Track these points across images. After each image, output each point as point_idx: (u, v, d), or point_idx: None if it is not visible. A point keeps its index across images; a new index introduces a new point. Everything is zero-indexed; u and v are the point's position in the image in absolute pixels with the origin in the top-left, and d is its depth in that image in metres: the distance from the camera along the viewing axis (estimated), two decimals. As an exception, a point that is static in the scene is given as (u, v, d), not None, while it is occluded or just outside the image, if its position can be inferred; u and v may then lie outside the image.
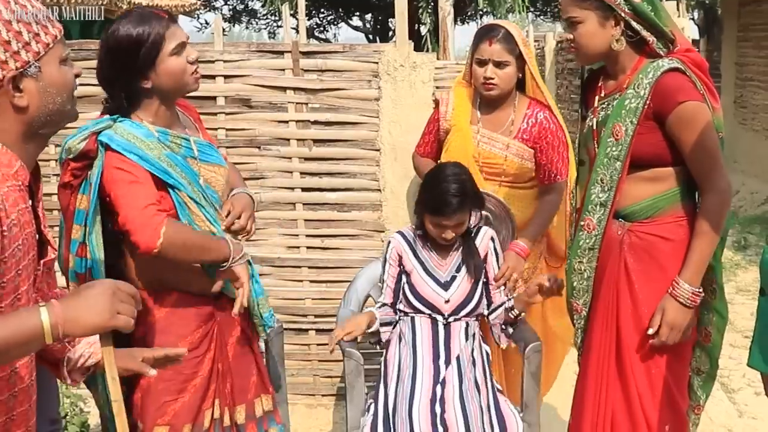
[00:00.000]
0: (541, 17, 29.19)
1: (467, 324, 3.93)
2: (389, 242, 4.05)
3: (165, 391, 3.37)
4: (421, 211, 3.94)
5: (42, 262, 2.32)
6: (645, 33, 3.30)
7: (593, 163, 3.43)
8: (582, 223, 3.46)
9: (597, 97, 3.50)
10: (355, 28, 27.16)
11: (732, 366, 6.38)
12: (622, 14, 3.26)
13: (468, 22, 22.39)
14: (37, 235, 2.28)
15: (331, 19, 26.10)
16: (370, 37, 24.95)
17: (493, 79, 4.22)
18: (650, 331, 3.33)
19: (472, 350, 3.88)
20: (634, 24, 3.28)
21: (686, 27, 4.96)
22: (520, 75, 4.31)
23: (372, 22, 25.51)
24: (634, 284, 3.38)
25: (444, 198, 3.81)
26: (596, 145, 3.44)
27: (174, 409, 3.38)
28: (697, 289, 3.29)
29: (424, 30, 18.12)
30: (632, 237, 3.39)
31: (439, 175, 3.93)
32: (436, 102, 4.54)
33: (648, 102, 3.25)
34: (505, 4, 16.67)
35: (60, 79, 2.22)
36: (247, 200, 3.58)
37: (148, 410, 3.38)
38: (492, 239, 4.09)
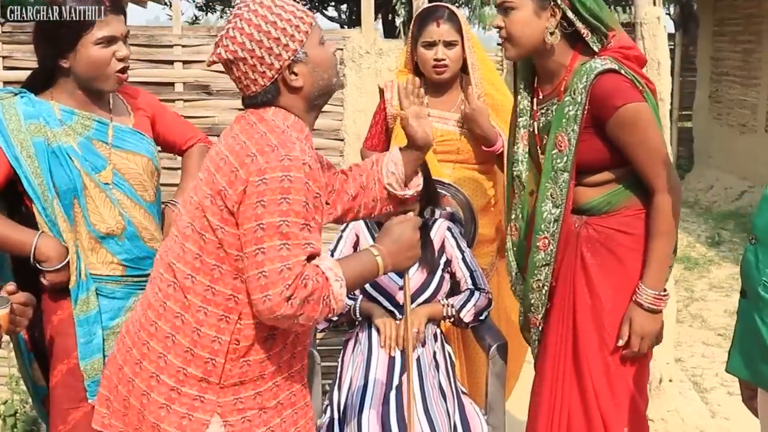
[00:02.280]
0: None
1: (428, 326, 3.76)
2: (347, 223, 3.88)
3: (66, 397, 3.21)
4: None
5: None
6: (579, 25, 3.15)
7: (540, 168, 3.31)
8: (538, 244, 3.31)
9: (536, 100, 3.37)
10: (331, 18, 27.01)
11: (705, 365, 6.29)
12: (560, 2, 3.11)
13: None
14: None
15: (306, 8, 25.89)
16: (345, 27, 24.78)
17: (444, 60, 4.12)
18: (620, 343, 3.21)
19: (434, 353, 3.72)
20: (569, 14, 3.13)
21: (661, 17, 4.80)
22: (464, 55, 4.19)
23: (347, 13, 25.36)
24: (592, 278, 3.25)
25: None
26: (539, 152, 3.33)
27: (75, 418, 3.21)
28: (662, 293, 3.18)
29: (398, 21, 17.97)
30: (589, 230, 3.26)
31: None
32: (381, 91, 4.37)
33: (586, 108, 3.12)
34: (474, -2, 16.52)
35: (323, 58, 2.65)
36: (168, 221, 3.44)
37: (51, 414, 3.25)
38: (449, 229, 3.96)
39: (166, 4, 21.38)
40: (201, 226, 2.56)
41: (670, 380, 5.16)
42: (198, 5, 25.79)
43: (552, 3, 3.12)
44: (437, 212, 4.05)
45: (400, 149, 3.01)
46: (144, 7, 11.68)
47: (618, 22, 3.28)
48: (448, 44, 4.12)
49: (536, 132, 3.35)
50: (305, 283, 2.46)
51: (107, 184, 3.22)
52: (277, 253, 2.45)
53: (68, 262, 3.17)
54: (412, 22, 4.29)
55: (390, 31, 20.05)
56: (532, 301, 3.40)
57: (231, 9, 25.34)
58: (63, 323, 3.22)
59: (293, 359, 2.75)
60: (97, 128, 3.22)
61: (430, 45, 4.13)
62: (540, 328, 3.44)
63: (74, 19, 3.05)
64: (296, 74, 2.60)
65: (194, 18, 26.44)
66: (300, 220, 2.47)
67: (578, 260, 3.26)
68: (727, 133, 14.06)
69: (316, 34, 2.63)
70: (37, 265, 3.14)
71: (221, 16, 27.97)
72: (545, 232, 3.28)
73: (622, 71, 3.11)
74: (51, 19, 3.07)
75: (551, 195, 3.23)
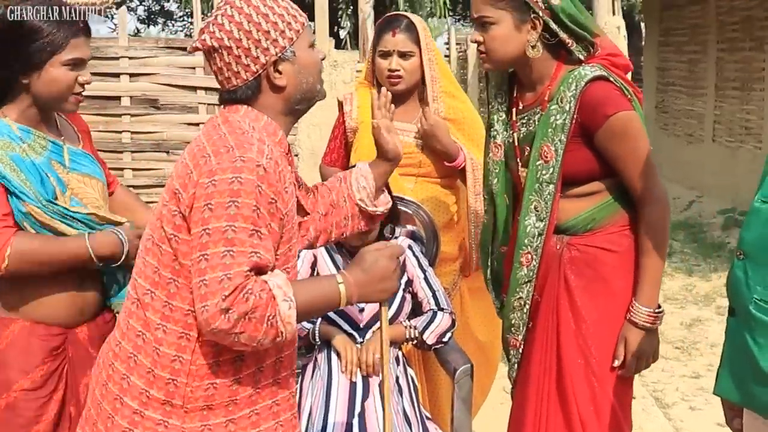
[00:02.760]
0: (461, 21, 29.29)
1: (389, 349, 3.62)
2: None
3: None
4: None
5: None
6: (563, 35, 3.04)
7: (519, 180, 3.22)
8: (521, 259, 3.20)
9: (515, 110, 3.25)
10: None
11: (665, 379, 6.21)
12: (540, 13, 3.00)
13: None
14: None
15: (249, 21, 25.82)
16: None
17: (398, 71, 4.02)
18: (616, 363, 3.11)
19: (397, 377, 3.59)
20: (552, 25, 3.02)
21: (621, 26, 4.74)
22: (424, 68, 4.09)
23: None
24: (577, 302, 3.14)
25: None
26: (519, 164, 3.22)
27: None
28: (656, 309, 3.08)
29: (343, 33, 17.94)
30: (572, 251, 3.15)
31: None
32: (340, 104, 4.25)
33: (575, 117, 3.02)
34: (425, 8, 16.54)
35: (310, 61, 2.53)
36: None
37: None
38: (410, 247, 3.85)
39: (107, 17, 21.09)
40: (159, 237, 2.43)
41: (633, 397, 5.06)
42: (140, 18, 25.59)
43: (532, 15, 3.01)
44: (398, 230, 3.92)
45: (369, 163, 2.90)
46: (108, 17, 11.52)
47: (600, 28, 3.18)
48: (403, 55, 4.02)
49: (516, 143, 3.23)
50: (246, 297, 2.27)
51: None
52: (219, 261, 2.28)
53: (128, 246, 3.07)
54: (374, 31, 4.18)
55: (336, 44, 20.01)
56: (513, 321, 3.29)
57: (173, 22, 25.23)
58: (3, 353, 3.02)
59: (277, 386, 2.56)
60: (53, 149, 3.08)
61: (386, 54, 4.04)
62: (520, 350, 3.33)
63: (49, 38, 2.93)
64: (281, 72, 2.48)
65: (136, 31, 26.24)
66: (248, 226, 2.31)
67: (562, 284, 3.15)
68: (674, 143, 14.14)
69: (306, 36, 2.54)
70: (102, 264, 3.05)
71: (163, 29, 27.84)
72: (528, 247, 3.17)
73: (611, 78, 3.03)
74: (18, 30, 2.95)
75: (535, 208, 3.13)
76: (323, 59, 2.65)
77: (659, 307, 3.10)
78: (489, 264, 3.50)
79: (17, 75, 2.96)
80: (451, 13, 24.45)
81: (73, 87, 3.02)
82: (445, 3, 16.41)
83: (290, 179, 2.53)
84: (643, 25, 17.66)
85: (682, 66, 14.25)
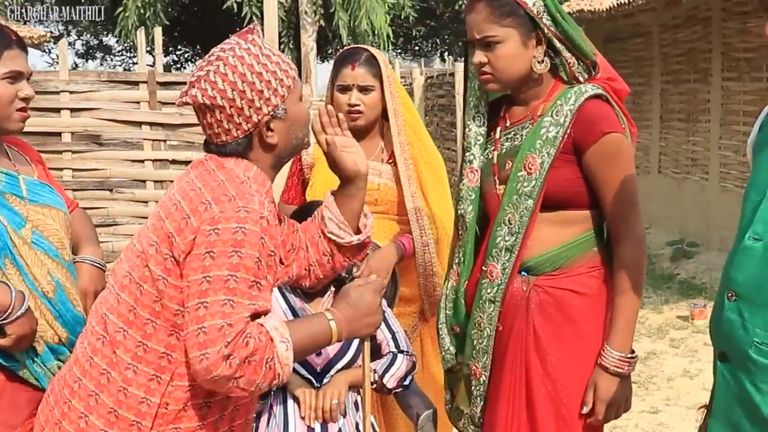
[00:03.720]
0: (403, 55, 29.49)
1: (348, 394, 3.49)
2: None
3: None
4: None
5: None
6: (567, 54, 2.96)
7: (495, 200, 3.09)
8: (484, 268, 3.08)
9: (500, 128, 3.14)
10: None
11: (624, 415, 6.08)
12: (546, 30, 2.93)
13: (330, 60, 22.44)
14: None
15: (188, 56, 25.80)
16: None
17: (358, 105, 3.90)
18: (584, 410, 2.96)
19: (357, 423, 3.47)
20: (556, 43, 2.94)
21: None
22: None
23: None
24: (545, 349, 3.01)
25: None
26: (497, 182, 3.10)
27: None
28: (629, 354, 2.95)
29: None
30: (540, 293, 3.02)
31: (305, 213, 3.52)
32: None
33: (569, 131, 2.92)
34: (368, 41, 16.58)
35: (300, 115, 2.52)
36: (87, 279, 3.16)
37: None
38: None
39: (44, 51, 20.86)
40: (140, 275, 2.39)
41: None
42: (78, 52, 25.38)
43: (536, 33, 2.94)
44: (354, 269, 3.78)
45: (333, 192, 2.80)
46: (45, 52, 11.47)
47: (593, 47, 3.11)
48: (364, 89, 3.90)
49: (495, 160, 3.11)
50: (246, 341, 2.26)
51: (30, 243, 2.94)
52: (220, 309, 2.27)
53: (29, 308, 2.85)
54: (334, 62, 4.08)
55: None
56: (474, 342, 3.15)
57: (111, 56, 25.11)
58: None
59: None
60: (7, 181, 2.96)
61: (345, 89, 3.91)
62: (481, 381, 3.18)
63: None
64: (272, 131, 2.46)
65: (74, 65, 26.02)
66: (250, 277, 2.32)
67: (530, 330, 3.02)
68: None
69: (297, 90, 2.51)
70: None
71: (101, 64, 27.64)
72: (496, 260, 3.05)
73: (610, 101, 2.95)
74: None
75: (509, 221, 3.01)
76: (309, 107, 2.60)
77: (633, 351, 2.98)
78: (447, 293, 3.33)
79: None
80: (393, 47, 24.61)
81: (13, 101, 2.91)
82: (388, 36, 16.45)
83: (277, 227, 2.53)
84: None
85: (627, 98, 14.29)
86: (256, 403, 2.63)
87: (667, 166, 12.76)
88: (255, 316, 2.33)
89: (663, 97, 13.00)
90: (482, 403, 3.21)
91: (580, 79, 2.98)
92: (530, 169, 2.96)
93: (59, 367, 2.91)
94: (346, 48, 4.18)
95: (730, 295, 2.23)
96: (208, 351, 2.25)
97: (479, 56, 3.00)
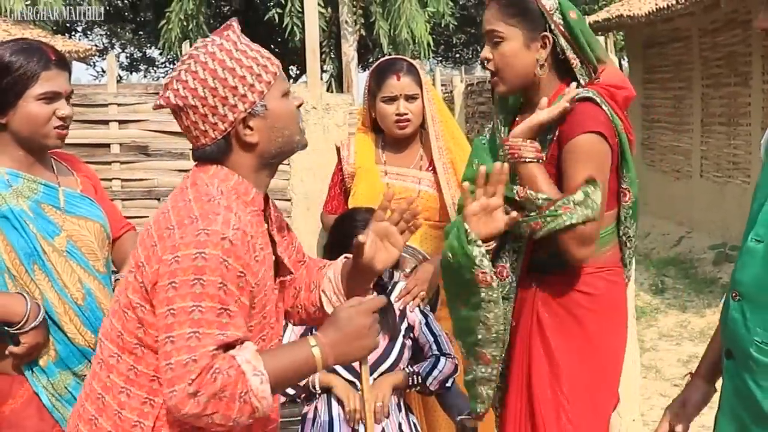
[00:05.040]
0: (444, 63, 29.46)
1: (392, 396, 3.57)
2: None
3: None
4: (329, 258, 3.59)
5: (277, 281, 2.54)
6: (571, 54, 3.01)
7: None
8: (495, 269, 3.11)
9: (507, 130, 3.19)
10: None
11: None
12: (553, 26, 2.97)
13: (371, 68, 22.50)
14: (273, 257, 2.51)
15: (232, 66, 25.93)
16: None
17: (406, 114, 3.98)
18: None
19: (400, 424, 3.57)
20: (562, 42, 2.99)
21: (615, 63, 4.71)
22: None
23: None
24: (549, 342, 3.04)
25: (349, 243, 3.46)
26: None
27: None
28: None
29: (326, 76, 17.98)
30: (547, 291, 3.05)
31: (347, 220, 3.69)
32: (338, 149, 4.25)
33: (557, 133, 2.97)
34: (409, 49, 16.59)
35: (284, 112, 2.38)
36: None
37: None
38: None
39: (89, 64, 21.12)
40: (125, 302, 2.35)
41: (636, 437, 5.01)
42: (122, 65, 25.63)
43: (543, 32, 2.98)
44: (396, 275, 3.88)
45: (346, 259, 2.68)
46: (90, 65, 11.58)
47: (611, 58, 3.14)
48: (410, 98, 3.98)
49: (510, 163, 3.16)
50: (214, 377, 2.15)
51: (62, 251, 3.00)
52: (185, 343, 2.17)
53: (44, 319, 2.91)
54: (369, 76, 4.15)
55: (320, 86, 20.02)
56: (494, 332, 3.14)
57: (155, 68, 25.26)
58: (16, 414, 2.93)
59: None
60: (45, 192, 3.02)
61: (391, 100, 3.99)
62: (491, 369, 3.17)
63: (18, 72, 2.87)
64: (252, 129, 2.34)
65: (119, 77, 26.21)
66: (216, 305, 2.20)
67: (534, 321, 3.06)
68: (661, 179, 14.16)
69: (279, 85, 2.37)
70: (6, 329, 2.87)
71: (145, 76, 27.87)
72: (505, 261, 3.09)
73: (603, 106, 2.94)
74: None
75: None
76: (300, 106, 2.47)
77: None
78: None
79: None
80: (434, 55, 24.61)
81: (50, 120, 2.94)
82: (429, 44, 16.47)
83: (262, 243, 2.39)
84: (625, 63, 17.75)
85: (668, 102, 14.30)
86: (274, 421, 2.55)
87: (709, 170, 12.69)
88: (228, 346, 2.22)
89: (704, 101, 12.93)
90: (500, 393, 3.24)
91: (581, 81, 3.02)
92: None
93: (64, 381, 3.00)
94: (383, 59, 4.24)
95: (734, 295, 2.29)
96: (175, 389, 2.16)
97: (485, 51, 3.06)
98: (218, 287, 2.20)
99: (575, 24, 2.98)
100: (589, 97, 2.94)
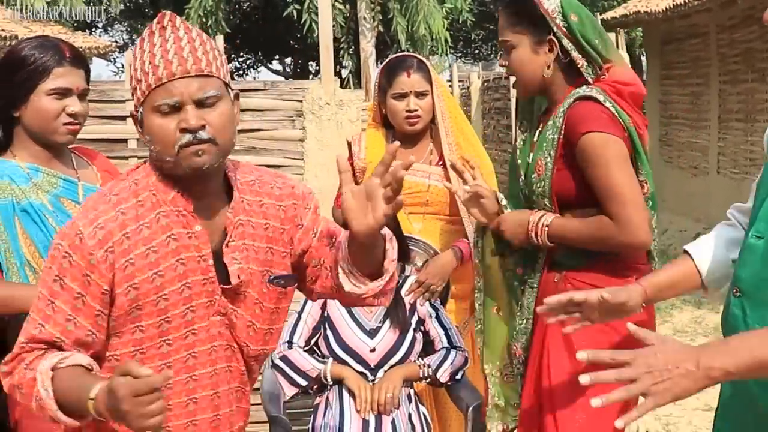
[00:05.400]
0: (462, 59, 29.42)
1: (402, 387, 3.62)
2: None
3: None
4: None
5: (222, 288, 2.34)
6: (576, 55, 3.06)
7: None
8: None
9: (537, 132, 3.25)
10: (275, 71, 27.06)
11: (677, 412, 6.17)
12: (555, 29, 3.04)
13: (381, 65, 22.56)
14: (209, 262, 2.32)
15: (251, 63, 26.02)
16: (290, 80, 24.92)
17: (416, 111, 4.02)
18: None
19: (410, 415, 3.60)
20: (566, 43, 3.05)
21: (626, 60, 4.75)
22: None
23: (291, 66, 25.44)
24: (570, 337, 3.02)
25: None
26: None
27: None
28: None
29: (345, 72, 18.04)
30: (567, 285, 3.08)
31: None
32: (349, 145, 4.29)
33: (562, 132, 3.03)
34: (427, 46, 16.63)
35: (151, 128, 2.20)
36: None
37: None
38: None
39: (110, 60, 21.21)
40: None
41: (647, 431, 5.05)
42: (142, 60, 25.62)
43: (549, 36, 3.05)
44: (408, 269, 3.93)
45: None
46: (111, 61, 11.66)
47: (621, 56, 3.19)
48: (420, 94, 4.03)
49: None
50: (18, 370, 2.18)
51: None
52: (24, 324, 2.23)
53: None
54: (379, 73, 4.20)
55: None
56: (516, 323, 3.26)
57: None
58: (29, 414, 2.94)
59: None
60: (65, 186, 3.06)
61: (402, 96, 4.03)
62: (521, 361, 3.27)
63: (32, 67, 2.91)
64: (141, 129, 2.26)
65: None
66: (46, 294, 2.20)
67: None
68: (678, 175, 14.14)
69: (154, 98, 2.17)
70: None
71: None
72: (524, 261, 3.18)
73: (606, 103, 2.99)
74: (6, 63, 2.95)
75: None
76: (186, 129, 2.16)
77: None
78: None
79: (9, 110, 2.96)
80: (452, 51, 24.61)
81: (58, 116, 2.96)
82: (446, 40, 16.50)
83: (175, 246, 2.25)
84: (644, 58, 17.74)
85: (685, 99, 14.29)
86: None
87: (726, 167, 12.67)
88: (40, 342, 2.19)
89: (721, 98, 12.91)
90: (521, 383, 3.29)
91: (589, 80, 3.07)
92: (539, 170, 3.08)
93: None
94: (393, 57, 4.29)
95: (735, 291, 2.25)
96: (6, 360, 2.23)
97: (502, 59, 3.18)
98: (54, 279, 2.19)
99: (575, 26, 3.03)
100: (590, 96, 3.00)
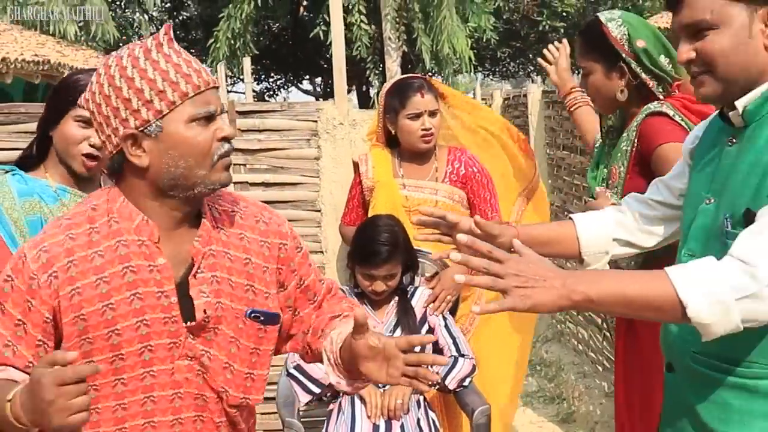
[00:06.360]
0: (491, 77, 29.40)
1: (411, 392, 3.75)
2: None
3: None
4: (352, 263, 3.86)
5: (187, 326, 2.18)
6: (645, 77, 3.24)
7: None
8: None
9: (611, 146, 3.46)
10: (305, 91, 27.21)
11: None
12: (624, 56, 3.21)
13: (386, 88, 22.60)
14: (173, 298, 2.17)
15: (281, 83, 26.16)
16: (320, 99, 25.06)
17: (431, 129, 4.18)
18: None
19: (418, 420, 3.72)
20: (634, 66, 3.22)
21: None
22: None
23: (321, 85, 25.57)
24: (637, 331, 3.24)
25: (373, 247, 3.74)
26: None
27: None
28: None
29: (372, 92, 18.15)
30: None
31: (370, 225, 3.87)
32: (355, 164, 4.44)
33: (635, 145, 3.19)
34: (452, 65, 16.73)
35: (184, 140, 2.08)
36: None
37: None
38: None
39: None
40: None
41: None
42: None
43: (618, 65, 3.23)
44: (417, 279, 4.06)
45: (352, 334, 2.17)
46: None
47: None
48: (432, 113, 4.20)
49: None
50: None
51: None
52: None
53: None
54: (385, 94, 4.34)
55: (364, 102, 20.19)
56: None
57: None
58: None
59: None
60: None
61: (417, 116, 4.19)
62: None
63: (68, 91, 2.96)
64: (142, 149, 2.09)
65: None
66: None
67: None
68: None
69: (188, 109, 2.08)
70: None
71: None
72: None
73: (676, 117, 3.15)
74: (56, 85, 3.03)
75: None
76: (225, 138, 2.13)
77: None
78: None
79: (47, 129, 3.02)
80: (479, 69, 24.64)
81: (78, 143, 2.97)
82: (470, 59, 16.58)
83: (140, 275, 2.13)
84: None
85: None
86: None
87: None
88: None
89: None
90: None
91: (660, 97, 3.23)
92: (613, 178, 3.25)
93: None
94: (399, 79, 4.46)
95: None
96: None
97: (582, 82, 3.39)
98: None
99: (641, 52, 3.20)
100: (660, 111, 3.16)
